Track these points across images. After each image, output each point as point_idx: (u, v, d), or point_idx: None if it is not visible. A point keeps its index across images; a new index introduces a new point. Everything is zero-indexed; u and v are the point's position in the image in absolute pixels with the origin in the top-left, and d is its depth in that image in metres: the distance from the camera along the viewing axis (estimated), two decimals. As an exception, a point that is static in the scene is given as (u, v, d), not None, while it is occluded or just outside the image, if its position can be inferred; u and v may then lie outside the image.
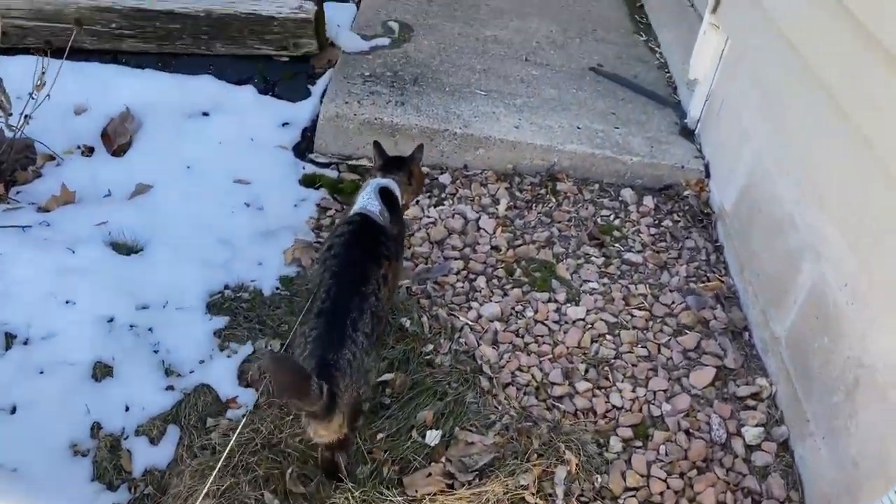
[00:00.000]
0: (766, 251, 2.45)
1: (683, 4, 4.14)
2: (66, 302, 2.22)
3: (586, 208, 2.93)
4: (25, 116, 2.48)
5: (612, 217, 2.91)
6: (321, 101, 3.12)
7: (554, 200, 2.93)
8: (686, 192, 3.02)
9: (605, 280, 2.62)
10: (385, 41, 3.49)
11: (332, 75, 3.22)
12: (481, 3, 4.06)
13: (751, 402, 2.25)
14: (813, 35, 2.27)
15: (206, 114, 3.05)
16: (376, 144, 2.35)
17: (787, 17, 2.44)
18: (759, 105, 2.65)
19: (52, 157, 2.74)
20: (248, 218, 2.68)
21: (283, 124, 3.10)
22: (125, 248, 2.46)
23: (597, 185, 3.05)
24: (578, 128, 3.13)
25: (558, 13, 4.12)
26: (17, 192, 2.59)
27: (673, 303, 2.55)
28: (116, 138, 2.84)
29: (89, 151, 2.83)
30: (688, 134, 3.25)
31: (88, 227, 2.48)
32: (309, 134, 3.09)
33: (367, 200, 2.13)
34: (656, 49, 3.94)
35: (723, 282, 2.64)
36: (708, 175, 3.04)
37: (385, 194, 2.17)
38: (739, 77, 2.86)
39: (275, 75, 3.27)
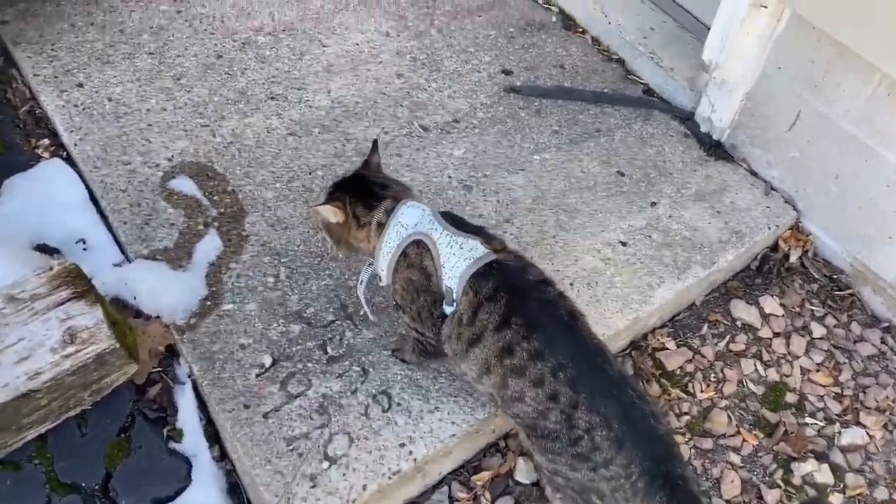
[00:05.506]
0: None
1: None
2: None
3: (721, 374, 1.89)
4: None
5: (757, 366, 1.91)
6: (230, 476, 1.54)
7: (681, 393, 1.84)
8: (791, 259, 2.08)
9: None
10: (214, 244, 1.77)
11: (215, 413, 1.55)
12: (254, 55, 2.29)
13: None
14: None
15: None
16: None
17: None
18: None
19: None
20: None
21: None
22: None
23: (704, 323, 1.97)
24: (624, 244, 1.92)
25: (365, -12, 2.49)
26: None
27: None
28: None
29: None
30: (715, 149, 2.20)
31: None
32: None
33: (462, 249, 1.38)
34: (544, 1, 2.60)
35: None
36: (798, 213, 2.10)
37: (448, 217, 1.45)
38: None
39: (87, 466, 1.51)
